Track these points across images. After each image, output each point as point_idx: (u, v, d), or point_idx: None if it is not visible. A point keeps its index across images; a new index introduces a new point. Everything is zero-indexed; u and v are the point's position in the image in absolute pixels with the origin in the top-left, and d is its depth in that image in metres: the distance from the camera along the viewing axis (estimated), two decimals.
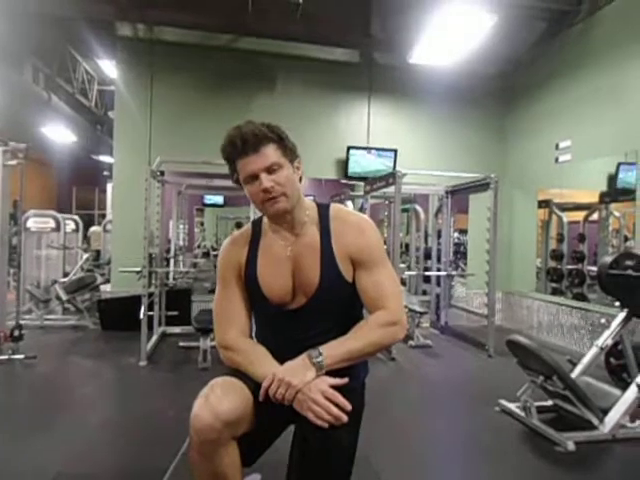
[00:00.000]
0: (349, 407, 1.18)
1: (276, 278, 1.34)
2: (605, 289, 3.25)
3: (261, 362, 1.29)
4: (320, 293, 1.32)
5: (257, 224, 1.44)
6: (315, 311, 1.34)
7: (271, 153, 1.26)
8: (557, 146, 5.25)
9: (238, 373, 1.32)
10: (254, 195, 1.29)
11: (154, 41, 5.51)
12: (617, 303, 3.17)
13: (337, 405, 1.18)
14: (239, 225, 7.72)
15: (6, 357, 3.91)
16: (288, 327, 1.37)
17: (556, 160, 5.27)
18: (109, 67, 7.10)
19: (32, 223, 6.06)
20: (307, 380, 1.20)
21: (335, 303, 1.35)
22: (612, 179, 4.76)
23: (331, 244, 1.33)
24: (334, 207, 1.40)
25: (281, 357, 1.28)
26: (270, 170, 1.26)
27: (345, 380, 1.22)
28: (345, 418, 1.17)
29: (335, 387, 1.24)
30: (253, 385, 1.28)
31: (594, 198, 5.31)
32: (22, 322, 4.21)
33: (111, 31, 5.48)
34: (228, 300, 1.39)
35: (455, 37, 4.48)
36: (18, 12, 5.06)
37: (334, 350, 1.24)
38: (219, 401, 1.19)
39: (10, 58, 6.08)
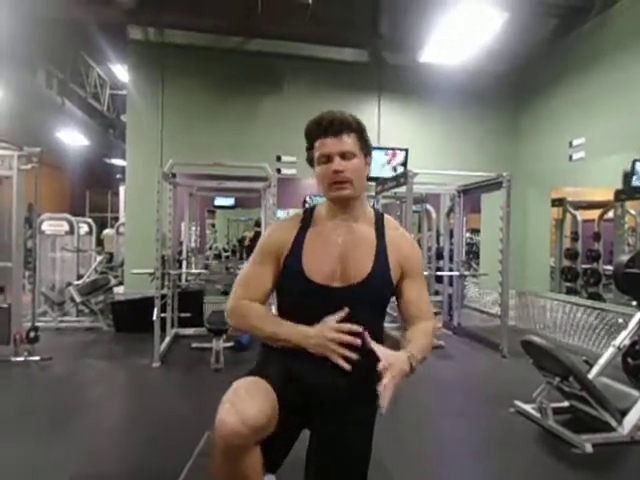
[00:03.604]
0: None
1: (321, 261, 1.35)
2: (621, 288, 3.21)
3: (273, 320, 1.34)
4: (367, 284, 1.33)
5: (309, 212, 1.47)
6: (354, 301, 1.31)
7: (350, 142, 1.33)
8: (570, 144, 5.18)
9: (260, 372, 1.31)
10: (324, 176, 1.34)
11: (165, 44, 5.56)
12: (634, 302, 3.12)
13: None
14: (258, 224, 7.80)
15: (22, 359, 3.96)
16: (320, 312, 1.31)
17: (570, 158, 5.20)
18: (121, 71, 7.18)
19: (47, 226, 6.14)
20: (402, 377, 1.23)
21: (376, 298, 1.38)
22: (628, 176, 4.68)
23: (385, 245, 1.39)
24: (387, 216, 1.50)
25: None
26: (344, 156, 1.32)
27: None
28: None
29: (350, 390, 1.27)
30: (276, 383, 1.27)
31: (609, 196, 5.23)
32: (38, 324, 4.27)
33: (123, 35, 5.54)
34: (255, 276, 1.40)
35: (465, 35, 4.44)
36: (31, 17, 5.13)
37: (417, 349, 1.30)
38: (245, 406, 1.16)
39: (24, 63, 6.17)
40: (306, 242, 1.38)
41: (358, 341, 1.22)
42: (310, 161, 1.39)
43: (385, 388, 1.15)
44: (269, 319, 1.35)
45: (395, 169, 5.66)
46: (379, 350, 1.22)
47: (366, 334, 1.24)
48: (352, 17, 5.31)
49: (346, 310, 1.27)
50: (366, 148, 1.38)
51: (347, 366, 1.21)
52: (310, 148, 1.37)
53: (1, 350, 3.94)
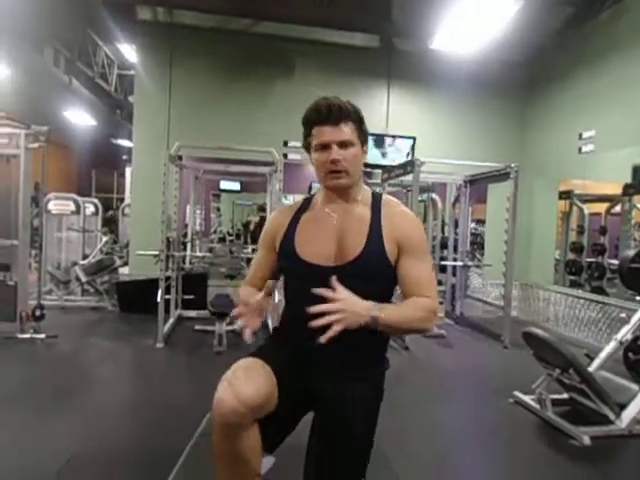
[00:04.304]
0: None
1: (316, 243, 1.35)
2: (626, 283, 3.20)
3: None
4: (360, 261, 1.31)
5: (308, 199, 1.49)
6: (349, 279, 1.26)
7: (348, 130, 1.31)
8: (580, 136, 5.13)
9: (260, 354, 1.33)
10: (321, 164, 1.33)
11: (174, 25, 5.50)
12: (638, 297, 3.11)
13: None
14: (262, 209, 7.83)
15: (28, 336, 4.01)
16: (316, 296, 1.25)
17: (579, 150, 5.15)
18: (129, 51, 7.13)
19: (53, 206, 6.16)
20: (356, 322, 1.16)
21: (371, 276, 1.33)
22: (637, 170, 4.64)
23: (380, 223, 1.36)
24: (386, 196, 1.47)
25: (307, 327, 1.16)
26: (342, 145, 1.30)
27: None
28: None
29: (352, 376, 1.31)
30: (277, 366, 1.28)
31: (617, 190, 5.19)
32: (43, 302, 4.31)
33: (131, 15, 5.49)
34: (256, 263, 1.52)
35: (478, 23, 4.37)
36: None
37: (392, 311, 1.23)
38: (242, 385, 1.19)
39: (32, 42, 6.13)
40: (300, 226, 1.40)
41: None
42: (307, 147, 1.38)
43: (325, 309, 1.13)
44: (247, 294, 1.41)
45: (384, 155, 5.77)
46: (339, 287, 1.18)
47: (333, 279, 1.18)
48: (363, 1, 5.23)
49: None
50: (363, 136, 1.36)
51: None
52: (308, 135, 1.36)
53: (7, 327, 3.99)
